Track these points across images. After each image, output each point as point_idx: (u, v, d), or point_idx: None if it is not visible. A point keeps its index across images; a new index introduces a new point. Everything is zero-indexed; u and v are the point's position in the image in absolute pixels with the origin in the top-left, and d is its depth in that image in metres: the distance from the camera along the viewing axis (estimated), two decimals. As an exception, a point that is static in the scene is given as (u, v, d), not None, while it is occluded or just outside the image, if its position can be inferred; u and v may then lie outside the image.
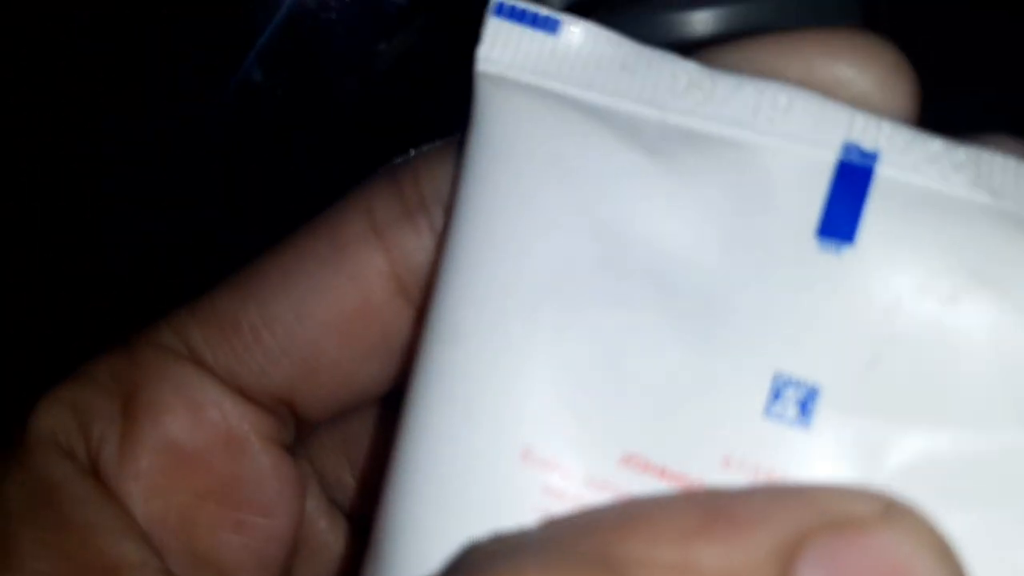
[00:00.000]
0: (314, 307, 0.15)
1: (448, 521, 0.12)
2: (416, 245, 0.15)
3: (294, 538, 0.15)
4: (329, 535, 0.16)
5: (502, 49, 0.13)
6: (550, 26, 0.13)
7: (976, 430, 0.12)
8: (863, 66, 0.13)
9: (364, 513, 0.15)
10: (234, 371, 0.15)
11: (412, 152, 0.15)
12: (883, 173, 0.12)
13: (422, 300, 0.14)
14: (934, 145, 0.12)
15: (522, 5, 0.13)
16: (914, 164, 0.12)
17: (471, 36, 0.13)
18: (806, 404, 0.12)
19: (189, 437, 0.15)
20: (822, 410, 0.12)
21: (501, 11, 0.13)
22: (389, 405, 0.16)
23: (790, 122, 0.12)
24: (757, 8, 0.37)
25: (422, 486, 0.12)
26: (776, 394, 0.12)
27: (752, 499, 0.11)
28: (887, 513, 0.10)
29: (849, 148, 0.12)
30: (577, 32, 0.13)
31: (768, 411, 0.12)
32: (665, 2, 0.38)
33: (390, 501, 0.13)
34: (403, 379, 0.14)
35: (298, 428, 0.16)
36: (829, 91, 0.13)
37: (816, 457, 0.12)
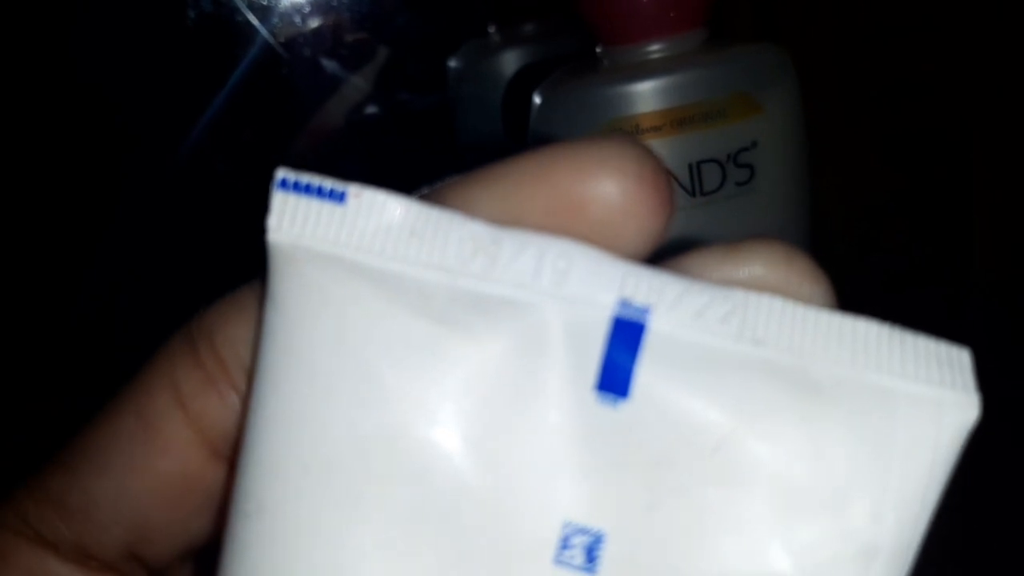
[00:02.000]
0: (132, 483, 0.16)
1: None
2: (222, 411, 0.15)
3: None
4: None
5: (291, 220, 0.14)
6: (336, 196, 0.14)
7: (747, 563, 0.13)
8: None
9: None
10: (74, 543, 0.16)
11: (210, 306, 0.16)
12: (655, 328, 0.13)
13: (232, 457, 0.15)
14: (703, 297, 0.13)
15: (306, 179, 0.14)
16: (683, 319, 0.13)
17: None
18: (592, 550, 0.13)
19: None
20: (607, 555, 0.13)
21: (286, 185, 0.14)
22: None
23: (569, 283, 0.13)
24: (698, 76, 0.38)
25: None
26: (565, 543, 0.13)
27: None
28: None
29: (624, 304, 0.13)
30: (365, 201, 0.14)
31: (557, 560, 0.13)
32: (609, 75, 0.39)
33: None
34: None
35: (152, 572, 0.17)
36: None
37: None
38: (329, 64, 0.48)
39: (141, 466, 0.16)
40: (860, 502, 0.13)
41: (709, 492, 0.13)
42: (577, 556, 0.13)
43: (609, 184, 0.13)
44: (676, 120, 0.39)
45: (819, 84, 0.41)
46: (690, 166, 0.39)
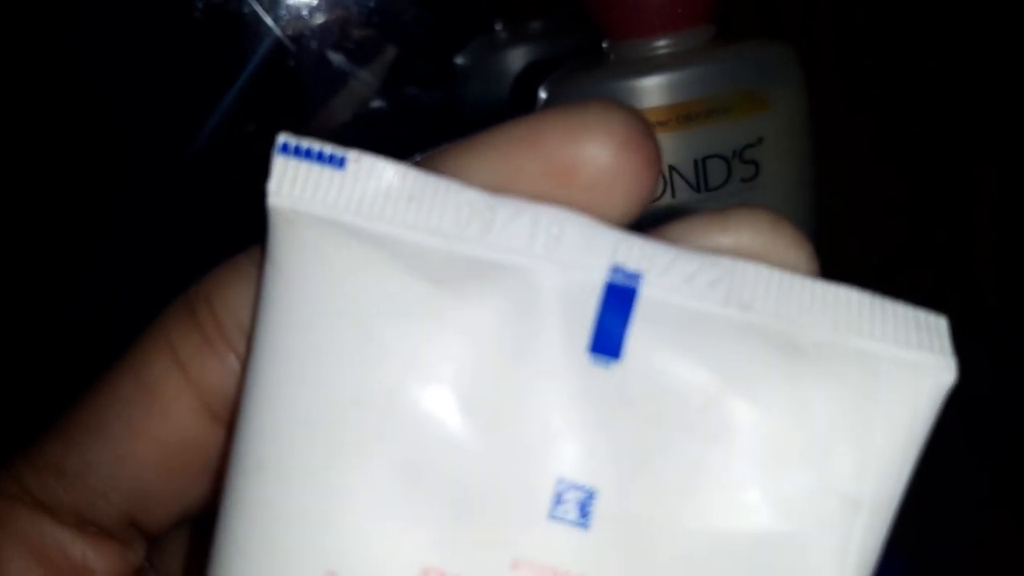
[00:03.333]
0: (131, 448, 0.16)
1: None
2: (221, 374, 0.16)
3: None
4: None
5: (291, 185, 0.14)
6: (336, 162, 0.14)
7: (734, 519, 0.14)
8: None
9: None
10: (71, 508, 0.16)
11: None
12: (646, 293, 0.14)
13: (231, 421, 0.16)
14: (692, 264, 0.14)
15: (307, 143, 0.14)
16: (673, 284, 0.14)
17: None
18: (585, 506, 0.14)
19: None
20: (599, 511, 0.14)
21: (287, 149, 0.14)
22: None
23: (562, 248, 0.14)
24: (704, 72, 0.39)
25: None
26: (558, 498, 0.14)
27: None
28: None
29: (615, 270, 0.14)
30: (364, 166, 0.14)
31: (552, 515, 0.14)
32: (616, 70, 0.40)
33: None
34: None
35: (149, 540, 0.17)
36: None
37: (595, 556, 0.14)
38: (336, 59, 0.49)
39: (140, 431, 0.16)
40: (843, 458, 0.14)
41: (696, 449, 0.14)
42: (571, 511, 0.14)
43: (597, 147, 0.14)
44: (682, 116, 0.40)
45: (821, 82, 0.42)
46: (695, 162, 0.40)
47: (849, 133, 0.49)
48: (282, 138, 0.15)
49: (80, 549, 0.16)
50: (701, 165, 0.40)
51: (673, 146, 0.40)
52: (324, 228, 0.14)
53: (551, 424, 0.14)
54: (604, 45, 0.42)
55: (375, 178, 0.14)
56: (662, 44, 0.41)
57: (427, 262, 0.14)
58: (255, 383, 0.15)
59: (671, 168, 0.40)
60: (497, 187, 0.15)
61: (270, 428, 0.14)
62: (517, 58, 0.55)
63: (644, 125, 0.14)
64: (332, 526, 0.14)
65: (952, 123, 0.50)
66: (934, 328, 0.14)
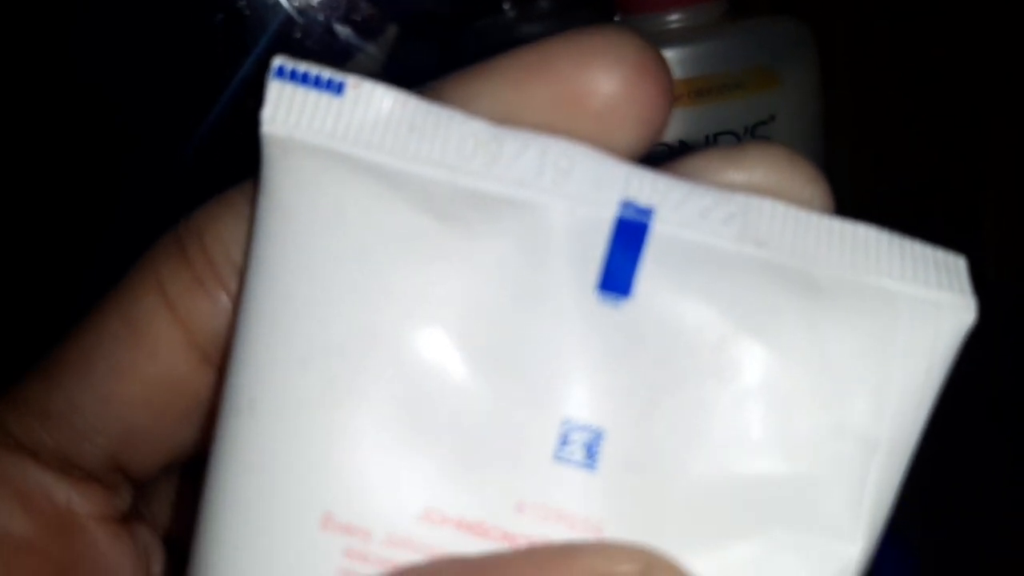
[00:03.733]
0: (117, 388, 0.15)
1: None
2: (211, 312, 0.15)
3: None
4: None
5: (287, 111, 0.14)
6: (334, 87, 0.14)
7: (745, 462, 0.13)
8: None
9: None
10: (56, 451, 0.16)
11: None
12: (658, 229, 0.14)
13: (222, 362, 0.15)
14: (706, 199, 0.14)
15: (304, 67, 0.14)
16: (686, 219, 0.14)
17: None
18: (592, 447, 0.14)
19: (20, 526, 0.15)
20: (607, 452, 0.14)
21: (283, 73, 0.14)
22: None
23: (572, 182, 0.14)
24: (717, 47, 0.39)
25: (225, 558, 0.14)
26: (564, 439, 0.14)
27: (518, 565, 0.12)
28: (647, 570, 0.12)
29: (626, 205, 0.14)
30: (364, 93, 0.14)
31: (557, 456, 0.14)
32: None
33: (198, 560, 0.14)
34: None
35: (136, 486, 0.17)
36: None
37: (602, 497, 0.14)
38: (343, 32, 0.48)
39: (127, 370, 0.15)
40: (860, 398, 0.13)
41: (708, 391, 0.14)
42: (577, 452, 0.14)
43: (609, 73, 0.14)
44: (694, 91, 0.39)
45: (832, 61, 0.42)
46: (707, 137, 0.39)
47: (861, 112, 0.48)
48: (278, 61, 0.14)
49: (64, 493, 0.16)
50: (713, 141, 0.39)
51: (685, 122, 0.39)
52: (321, 157, 0.14)
53: (557, 364, 0.14)
54: (616, 19, 0.42)
55: (375, 106, 0.14)
56: (674, 19, 0.40)
57: (430, 196, 0.14)
58: (248, 318, 0.14)
59: (682, 143, 0.39)
60: (503, 117, 0.14)
61: (264, 365, 0.14)
62: (526, 38, 0.54)
63: (655, 53, 0.14)
64: (329, 467, 0.14)
65: (962, 106, 0.49)
66: (953, 268, 0.14)
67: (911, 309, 0.13)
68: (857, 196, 0.49)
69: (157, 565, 0.17)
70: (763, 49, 0.40)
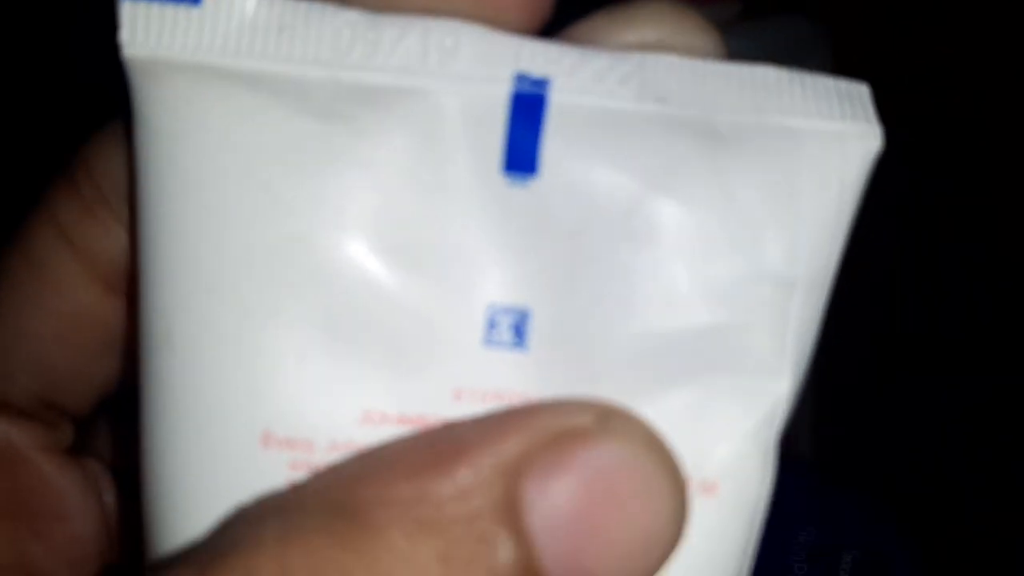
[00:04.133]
0: (27, 325, 0.16)
1: (203, 516, 0.13)
2: (106, 240, 0.15)
3: (100, 532, 0.17)
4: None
5: (145, 31, 0.13)
6: None
7: (670, 318, 0.14)
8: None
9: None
10: None
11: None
12: (555, 99, 0.13)
13: (129, 289, 0.15)
14: (600, 62, 0.13)
15: None
16: (583, 85, 0.13)
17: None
18: (520, 328, 0.14)
19: None
20: (536, 330, 0.14)
21: None
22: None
23: (459, 61, 0.13)
24: (732, 47, 0.37)
25: (172, 492, 0.14)
26: (491, 324, 0.14)
27: (477, 428, 0.13)
28: (599, 420, 0.12)
29: (520, 79, 0.13)
30: (223, 0, 0.13)
31: (487, 340, 0.14)
32: None
33: (147, 500, 0.14)
34: None
35: (75, 422, 0.17)
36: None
37: (536, 373, 0.14)
38: None
39: (34, 305, 0.16)
40: (773, 240, 0.13)
41: (624, 255, 0.14)
42: (505, 335, 0.14)
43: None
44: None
45: (848, 59, 0.40)
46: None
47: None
48: None
49: (3, 429, 0.16)
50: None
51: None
52: (189, 74, 0.13)
53: (473, 252, 0.14)
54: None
55: (237, 11, 0.13)
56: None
57: (311, 97, 0.13)
58: (147, 254, 0.14)
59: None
60: (381, 6, 0.13)
61: (172, 299, 0.14)
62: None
63: None
64: (258, 388, 0.14)
65: (968, 108, 0.47)
66: (856, 97, 0.14)
67: (815, 143, 0.13)
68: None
69: (108, 494, 0.17)
70: (778, 48, 0.39)
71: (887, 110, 0.14)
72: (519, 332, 0.14)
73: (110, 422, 0.18)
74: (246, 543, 0.11)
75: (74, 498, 0.17)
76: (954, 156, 0.50)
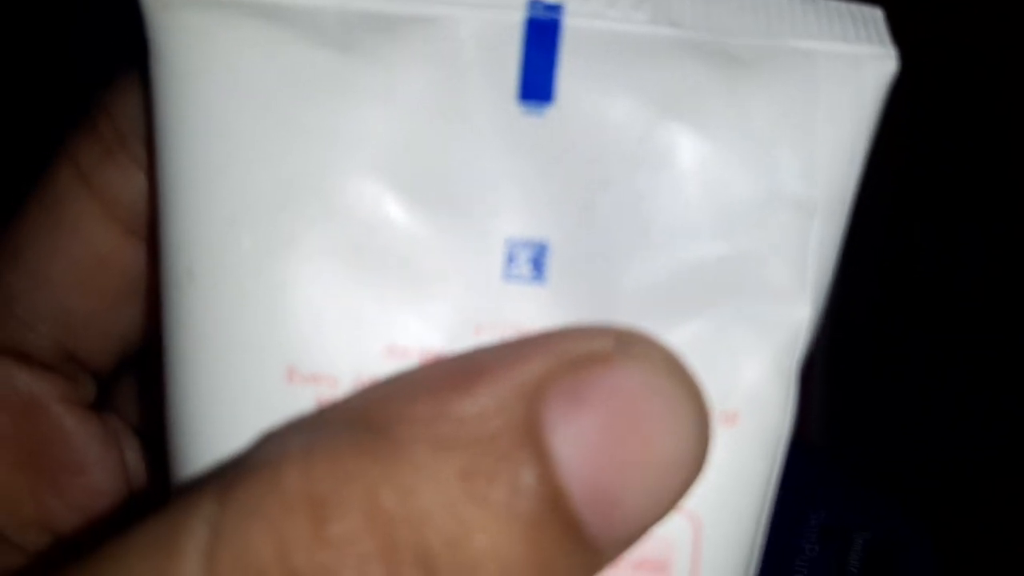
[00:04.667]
0: (47, 270, 0.16)
1: (233, 452, 0.13)
2: (125, 182, 0.15)
3: (121, 489, 0.17)
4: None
5: None
6: None
7: (688, 246, 0.14)
8: None
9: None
10: (10, 343, 0.16)
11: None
12: (570, 24, 0.13)
13: (149, 234, 0.15)
14: None
15: None
16: (596, 10, 0.13)
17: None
18: (538, 261, 0.14)
19: None
20: (554, 263, 0.14)
21: None
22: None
23: None
24: None
25: (198, 433, 0.14)
26: (510, 257, 0.14)
27: (499, 352, 0.12)
28: (620, 345, 0.12)
29: (534, 4, 0.13)
30: None
31: (506, 274, 0.14)
32: None
33: (172, 440, 0.14)
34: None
35: (98, 382, 0.17)
36: None
37: (556, 306, 0.14)
38: None
39: (53, 250, 0.15)
40: (790, 164, 0.13)
41: (641, 182, 0.14)
42: (524, 269, 0.14)
43: None
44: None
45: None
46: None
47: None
48: None
49: (24, 380, 0.16)
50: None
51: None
52: (203, 6, 0.13)
53: (490, 185, 0.14)
54: None
55: None
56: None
57: (326, 27, 0.13)
58: (168, 189, 0.14)
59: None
60: None
61: (193, 233, 0.14)
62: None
63: None
64: (281, 322, 0.13)
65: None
66: (871, 20, 0.14)
67: (830, 66, 0.13)
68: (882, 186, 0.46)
69: (131, 453, 0.17)
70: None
71: (905, 37, 0.14)
72: (538, 266, 0.14)
73: (134, 385, 0.18)
74: (272, 456, 0.11)
75: (95, 453, 0.17)
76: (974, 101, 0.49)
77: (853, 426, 0.51)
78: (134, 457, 0.17)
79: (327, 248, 0.14)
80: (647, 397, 0.12)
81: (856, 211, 0.14)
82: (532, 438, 0.11)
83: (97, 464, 0.17)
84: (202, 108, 0.13)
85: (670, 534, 0.14)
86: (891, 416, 0.50)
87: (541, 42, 0.13)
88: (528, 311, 0.14)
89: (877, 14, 0.14)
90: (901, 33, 0.14)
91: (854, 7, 0.14)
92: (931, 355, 0.48)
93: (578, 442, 0.11)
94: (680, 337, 0.14)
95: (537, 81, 0.13)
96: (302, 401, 0.13)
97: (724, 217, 0.14)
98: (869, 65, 0.13)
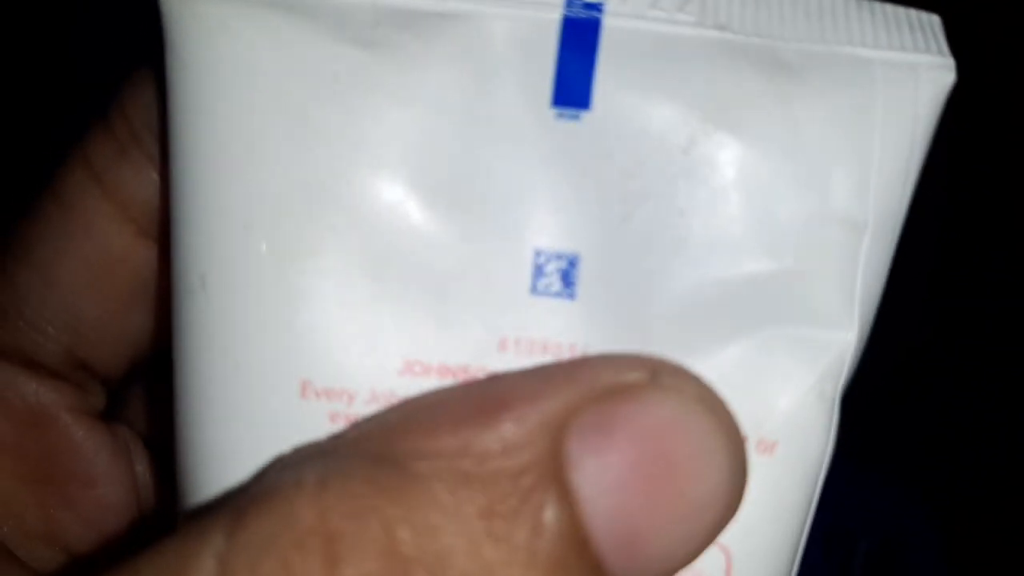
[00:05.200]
0: (59, 270, 0.15)
1: (239, 469, 0.13)
2: (138, 182, 0.15)
3: (130, 502, 0.16)
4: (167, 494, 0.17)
5: None
6: None
7: (729, 264, 0.13)
8: None
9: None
10: (19, 349, 0.15)
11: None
12: (609, 24, 0.13)
13: (161, 237, 0.15)
14: None
15: None
16: (638, 9, 0.13)
17: None
18: (568, 275, 0.13)
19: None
20: (585, 277, 0.13)
21: None
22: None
23: None
24: None
25: (205, 439, 0.13)
26: (539, 270, 0.13)
27: (523, 381, 0.12)
28: (654, 377, 0.12)
29: (571, 2, 0.13)
30: None
31: (534, 288, 0.13)
32: None
33: (181, 453, 0.14)
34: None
35: (108, 392, 0.16)
36: None
37: (585, 323, 0.13)
38: None
39: (65, 251, 0.15)
40: (841, 178, 0.13)
41: (682, 196, 0.13)
42: (554, 283, 0.13)
43: None
44: None
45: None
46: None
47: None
48: None
49: (32, 388, 0.16)
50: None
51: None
52: (226, 1, 0.12)
53: (520, 193, 0.13)
54: None
55: None
56: None
57: (351, 22, 0.12)
58: (181, 191, 0.13)
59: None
60: None
61: (207, 238, 0.13)
62: None
63: None
64: (296, 334, 0.13)
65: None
66: (928, 27, 0.13)
67: (887, 76, 0.13)
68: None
69: (140, 464, 0.17)
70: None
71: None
72: (568, 280, 0.13)
73: (143, 394, 0.17)
74: (285, 487, 0.10)
75: (104, 464, 0.16)
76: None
77: (860, 427, 0.50)
78: (144, 469, 0.17)
79: (346, 256, 0.13)
80: (678, 433, 0.11)
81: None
82: (556, 476, 0.11)
83: (106, 476, 0.16)
84: (217, 105, 0.13)
85: (702, 566, 0.13)
86: (900, 416, 0.49)
87: (579, 43, 0.13)
88: (555, 327, 0.13)
89: (935, 20, 0.13)
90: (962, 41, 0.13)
91: (912, 12, 0.13)
92: (945, 355, 0.48)
93: (604, 480, 0.11)
94: (716, 361, 0.13)
95: (573, 85, 0.13)
96: (315, 417, 0.13)
97: (769, 234, 0.13)
98: (927, 75, 0.13)
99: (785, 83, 0.13)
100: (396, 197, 0.13)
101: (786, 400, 0.13)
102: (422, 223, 0.13)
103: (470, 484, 0.10)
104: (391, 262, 0.13)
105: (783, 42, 0.13)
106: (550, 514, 0.11)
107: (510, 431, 0.11)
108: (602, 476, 0.11)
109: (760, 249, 0.13)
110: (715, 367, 0.13)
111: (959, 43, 0.13)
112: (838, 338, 0.13)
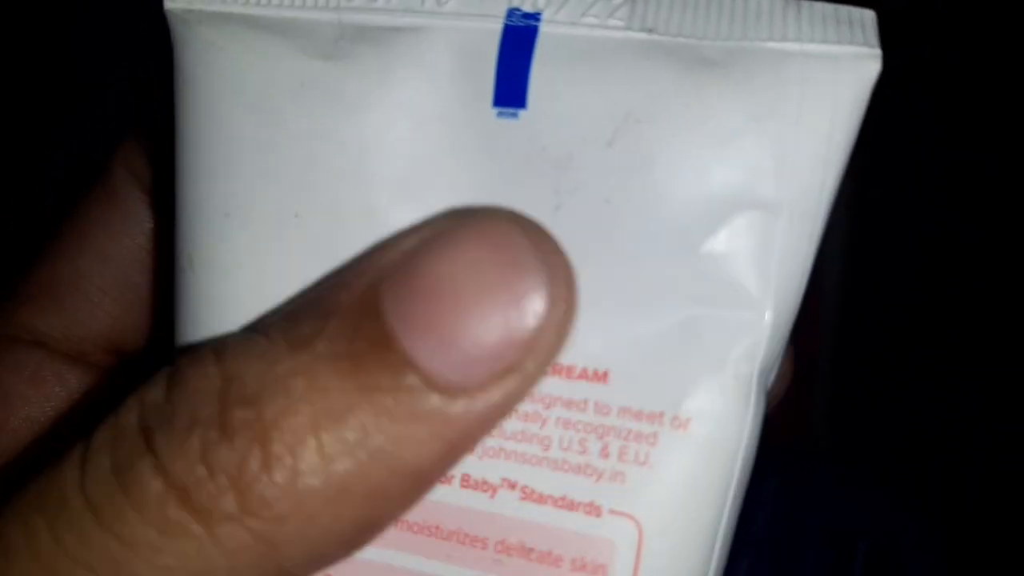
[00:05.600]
0: (111, 246, 0.18)
1: None
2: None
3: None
4: None
5: None
6: None
7: (653, 249, 0.14)
8: None
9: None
10: (63, 340, 0.18)
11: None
12: (546, 31, 0.14)
13: (158, 225, 0.18)
14: None
15: None
16: (572, 17, 0.14)
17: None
18: None
19: (40, 412, 0.18)
20: None
21: None
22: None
23: (454, 0, 0.14)
24: None
25: None
26: None
27: (356, 262, 0.12)
28: (461, 215, 0.12)
29: (512, 13, 0.14)
30: None
31: None
32: None
33: None
34: None
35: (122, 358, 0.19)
36: None
37: None
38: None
39: (116, 232, 0.18)
40: (758, 166, 0.13)
41: (608, 186, 0.14)
42: None
43: None
44: None
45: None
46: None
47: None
48: None
49: (78, 380, 0.18)
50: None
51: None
52: (218, 23, 0.15)
53: (465, 187, 0.14)
54: None
55: None
56: None
57: (318, 38, 0.14)
58: (180, 181, 0.15)
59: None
60: None
61: (195, 223, 0.15)
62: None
63: None
64: (271, 307, 0.14)
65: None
66: (858, 22, 0.13)
67: (804, 66, 0.13)
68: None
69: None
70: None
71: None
72: None
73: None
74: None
75: None
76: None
77: (858, 426, 0.50)
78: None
79: (310, 241, 0.14)
80: (488, 254, 0.11)
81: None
82: (374, 312, 0.11)
83: None
84: (210, 111, 0.15)
85: (612, 536, 0.14)
86: (897, 416, 0.49)
87: (517, 49, 0.14)
88: None
89: (868, 15, 0.14)
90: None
91: (844, 9, 0.14)
92: (939, 354, 0.48)
93: (412, 307, 0.11)
94: (636, 340, 0.14)
95: (512, 86, 0.14)
96: None
97: (692, 220, 0.14)
98: (849, 65, 0.13)
99: (706, 77, 0.13)
100: (356, 189, 0.14)
101: (701, 378, 0.13)
102: (379, 211, 0.14)
103: (318, 336, 0.11)
104: (351, 245, 0.14)
105: (708, 41, 0.13)
106: (367, 332, 0.11)
107: (344, 297, 0.12)
108: (410, 306, 0.11)
109: (679, 233, 0.14)
110: (635, 345, 0.14)
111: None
112: (754, 319, 0.13)
